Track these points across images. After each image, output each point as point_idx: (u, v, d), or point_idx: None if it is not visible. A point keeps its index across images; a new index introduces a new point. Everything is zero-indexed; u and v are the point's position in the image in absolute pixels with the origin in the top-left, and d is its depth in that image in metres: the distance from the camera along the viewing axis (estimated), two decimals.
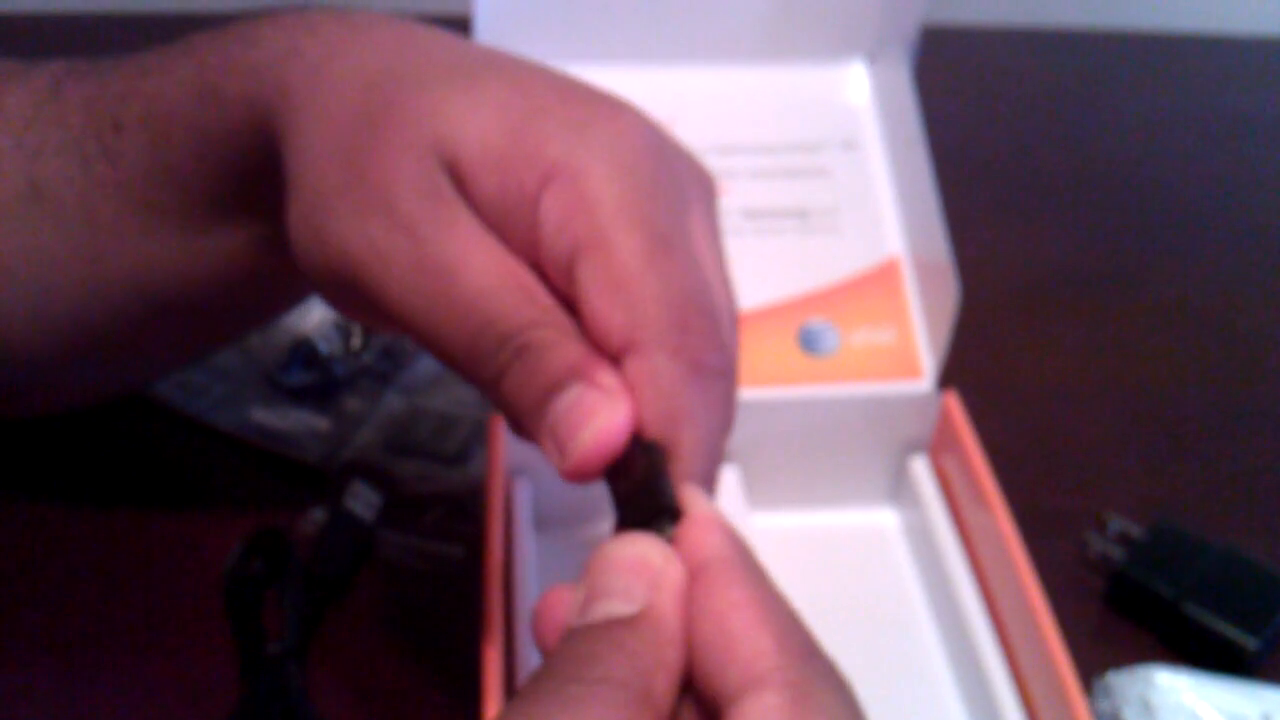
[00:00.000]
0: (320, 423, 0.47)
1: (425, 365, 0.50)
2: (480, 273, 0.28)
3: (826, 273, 0.43)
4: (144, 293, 0.37)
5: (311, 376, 0.49)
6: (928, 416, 0.43)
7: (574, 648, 0.23)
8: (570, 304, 0.28)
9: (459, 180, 0.29)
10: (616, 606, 0.24)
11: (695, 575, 0.24)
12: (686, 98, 0.45)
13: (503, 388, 0.28)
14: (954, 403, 0.42)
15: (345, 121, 0.30)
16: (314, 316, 0.50)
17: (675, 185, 0.30)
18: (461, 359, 0.28)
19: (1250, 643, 0.40)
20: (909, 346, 0.42)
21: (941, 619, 0.41)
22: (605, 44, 0.44)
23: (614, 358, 0.27)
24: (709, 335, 0.28)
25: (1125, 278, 0.60)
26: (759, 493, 0.43)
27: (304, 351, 0.49)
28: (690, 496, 0.26)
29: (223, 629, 0.40)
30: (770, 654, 0.23)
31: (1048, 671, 0.36)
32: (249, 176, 0.33)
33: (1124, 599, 0.43)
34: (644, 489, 0.26)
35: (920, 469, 0.43)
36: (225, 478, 0.46)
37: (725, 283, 0.31)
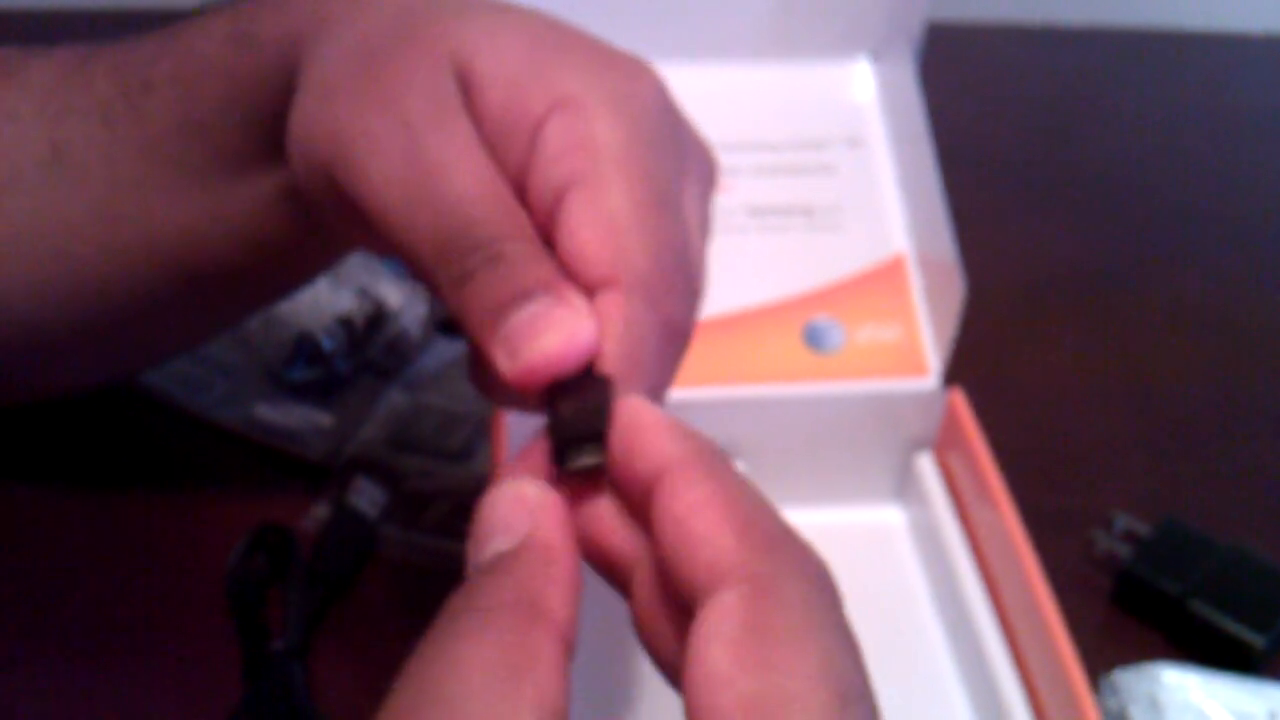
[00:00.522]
0: (323, 419, 0.47)
1: (428, 362, 0.50)
2: (467, 177, 0.28)
3: (832, 270, 0.43)
4: (164, 257, 0.37)
5: (315, 373, 0.49)
6: (933, 414, 0.43)
7: (464, 588, 0.24)
8: (544, 234, 0.28)
9: (468, 89, 0.29)
10: (499, 543, 0.24)
11: (653, 483, 0.24)
12: (692, 95, 0.44)
13: (466, 291, 0.27)
14: (959, 400, 0.42)
15: (371, 33, 0.30)
16: (317, 313, 0.50)
17: (678, 150, 0.30)
18: (429, 259, 0.28)
19: (1257, 641, 0.40)
20: (914, 344, 0.42)
21: (947, 616, 0.41)
22: (609, 40, 0.44)
23: (586, 290, 0.27)
24: (685, 298, 0.28)
25: (1131, 275, 0.60)
26: (764, 489, 0.43)
27: (307, 348, 0.49)
28: (637, 406, 0.25)
29: (225, 626, 0.40)
30: (730, 550, 0.22)
31: (1054, 669, 0.35)
32: (274, 122, 0.33)
33: (1131, 597, 0.43)
34: (588, 412, 0.26)
35: (926, 466, 0.43)
36: (228, 474, 0.46)
37: (703, 259, 0.31)
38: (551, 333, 0.26)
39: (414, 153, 0.28)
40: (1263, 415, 0.52)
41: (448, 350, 0.51)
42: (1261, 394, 0.53)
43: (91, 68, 0.37)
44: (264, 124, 0.34)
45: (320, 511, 0.44)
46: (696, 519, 0.23)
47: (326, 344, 0.49)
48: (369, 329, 0.50)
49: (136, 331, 0.40)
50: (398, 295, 0.52)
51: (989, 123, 0.69)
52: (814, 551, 0.23)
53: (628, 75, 0.30)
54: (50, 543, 0.44)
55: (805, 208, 0.44)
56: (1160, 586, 0.42)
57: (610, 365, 0.26)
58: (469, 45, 0.29)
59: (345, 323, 0.50)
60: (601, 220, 0.27)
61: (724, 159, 0.44)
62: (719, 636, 0.21)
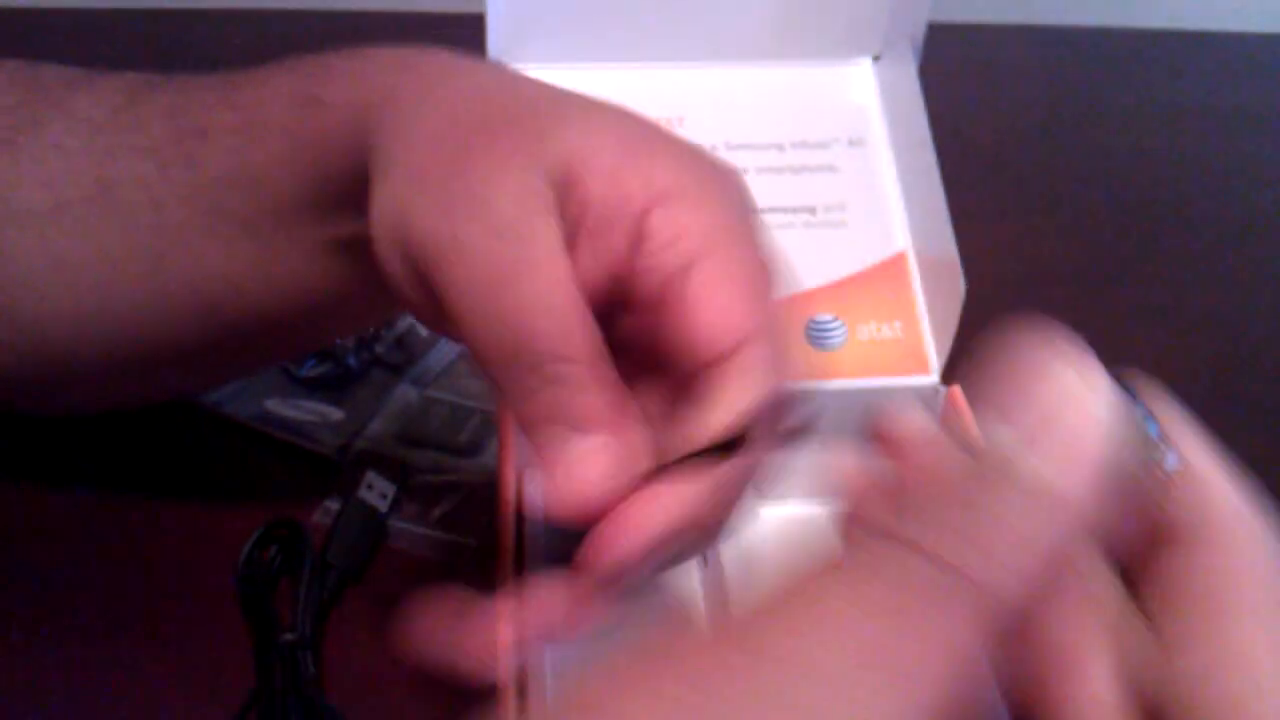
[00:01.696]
0: (334, 413, 0.48)
1: (438, 357, 0.51)
2: (546, 286, 0.29)
3: (833, 268, 0.44)
4: (203, 303, 0.37)
5: (325, 368, 0.49)
6: (934, 410, 0.43)
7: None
8: (645, 321, 0.30)
9: (568, 184, 0.30)
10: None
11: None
12: (695, 96, 0.45)
13: (527, 407, 0.29)
14: (960, 397, 0.42)
15: (459, 119, 0.31)
16: None
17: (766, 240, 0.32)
18: (496, 366, 0.29)
19: None
20: (915, 341, 0.43)
21: None
22: (615, 43, 0.44)
23: (713, 355, 0.29)
24: (788, 370, 0.31)
25: (1131, 273, 0.60)
26: (766, 486, 0.43)
27: None
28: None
29: (236, 618, 0.40)
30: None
31: None
32: (334, 179, 0.34)
33: None
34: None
35: None
36: (239, 468, 0.47)
37: None
38: (599, 472, 0.28)
39: (497, 258, 0.29)
40: (1260, 414, 0.53)
41: (456, 346, 0.52)
42: (1259, 393, 0.54)
43: (143, 107, 0.37)
44: (319, 181, 0.34)
45: (331, 505, 0.45)
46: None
47: (337, 340, 0.50)
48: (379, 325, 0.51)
49: (173, 369, 0.40)
50: None
51: (990, 122, 0.70)
52: None
53: (715, 168, 0.32)
54: (62, 535, 0.44)
55: (808, 207, 0.44)
56: None
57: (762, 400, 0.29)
58: (568, 142, 0.30)
59: None
60: (736, 279, 0.30)
61: (727, 158, 0.45)
62: None
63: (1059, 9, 0.79)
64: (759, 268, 0.30)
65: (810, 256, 0.44)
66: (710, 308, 0.29)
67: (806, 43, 0.46)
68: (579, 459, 0.28)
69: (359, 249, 0.34)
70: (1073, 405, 0.23)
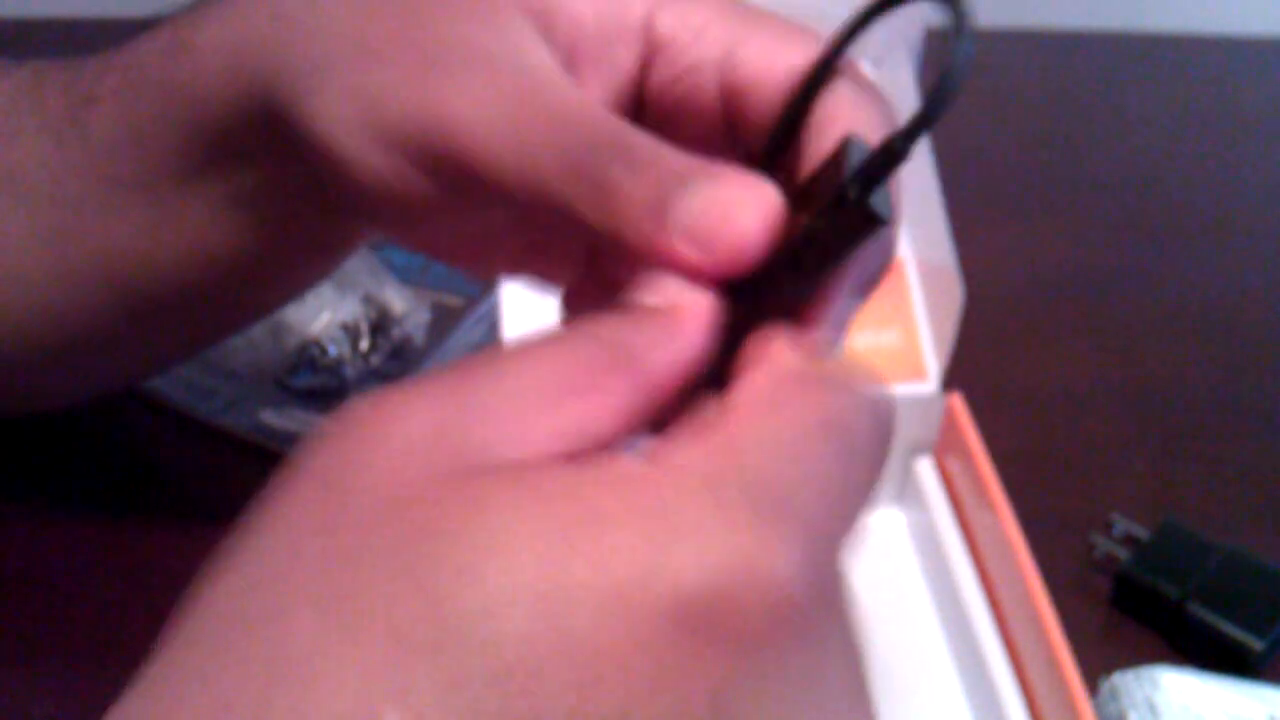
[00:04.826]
0: None
1: (433, 368, 0.51)
2: (570, 90, 0.27)
3: None
4: (112, 280, 0.36)
5: (320, 379, 0.49)
6: (932, 418, 0.43)
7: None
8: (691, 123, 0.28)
9: (547, 11, 0.28)
10: (648, 295, 0.23)
11: None
12: None
13: (614, 202, 0.24)
14: (959, 404, 0.42)
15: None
16: (322, 319, 0.50)
17: None
18: (558, 184, 0.25)
19: (1256, 644, 0.40)
20: (914, 348, 0.42)
21: (946, 620, 0.41)
22: None
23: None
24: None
25: (1130, 279, 0.60)
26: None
27: (312, 354, 0.49)
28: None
29: None
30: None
31: (1053, 673, 0.36)
32: (215, 127, 0.32)
33: (1129, 600, 0.43)
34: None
35: (925, 470, 0.43)
36: (233, 480, 0.47)
37: None
38: (743, 210, 0.23)
39: (510, 83, 0.26)
40: (1262, 418, 0.52)
41: (453, 356, 0.52)
42: (1260, 397, 0.53)
43: (44, 86, 0.36)
44: (206, 135, 0.33)
45: None
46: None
47: (331, 350, 0.49)
48: (374, 335, 0.51)
49: (98, 357, 0.39)
50: (402, 301, 0.52)
51: (988, 127, 0.69)
52: None
53: None
54: (55, 548, 0.44)
55: None
56: (1159, 589, 0.42)
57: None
58: None
59: (350, 329, 0.50)
60: (793, 46, 0.28)
61: None
62: None
63: (1058, 13, 0.78)
64: (797, 27, 0.28)
65: None
66: (768, 76, 0.27)
67: None
68: (724, 202, 0.23)
69: (264, 200, 0.32)
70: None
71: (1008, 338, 0.54)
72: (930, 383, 0.42)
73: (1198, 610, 0.41)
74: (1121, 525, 0.44)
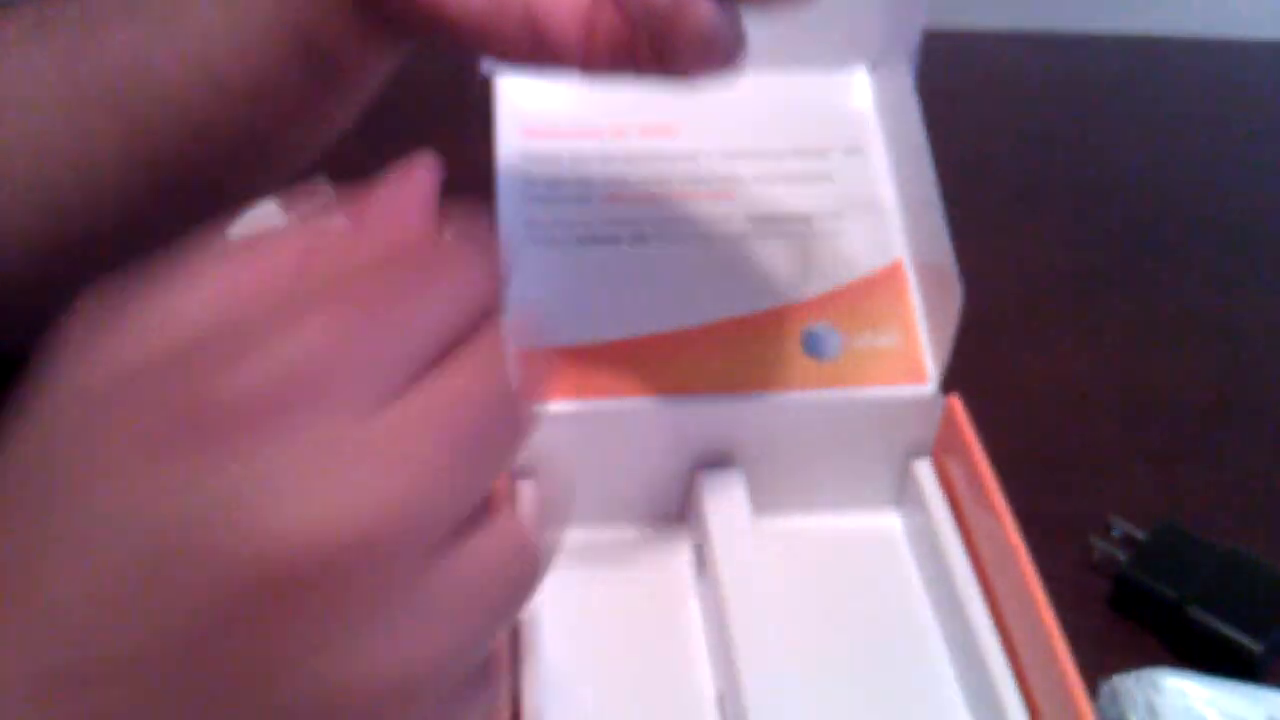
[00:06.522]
0: None
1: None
2: None
3: (830, 277, 0.43)
4: (203, 71, 0.37)
5: None
6: (931, 420, 0.43)
7: None
8: None
9: None
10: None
11: None
12: (690, 105, 0.45)
13: None
14: (958, 406, 0.42)
15: None
16: None
17: None
18: None
19: (1255, 646, 0.40)
20: (913, 350, 0.42)
21: (945, 622, 0.41)
22: None
23: None
24: None
25: (1129, 281, 0.60)
26: (763, 496, 0.43)
27: None
28: None
29: None
30: None
31: (1052, 675, 0.36)
32: None
33: (1128, 602, 0.43)
34: None
35: (924, 473, 0.43)
36: None
37: None
38: None
39: None
40: (1260, 419, 0.52)
41: None
42: (1259, 399, 0.53)
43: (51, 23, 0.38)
44: None
45: None
46: None
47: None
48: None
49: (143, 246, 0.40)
50: None
51: (987, 130, 0.69)
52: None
53: None
54: None
55: (804, 215, 0.44)
56: (1158, 592, 0.42)
57: None
58: None
59: None
60: None
61: (725, 167, 0.45)
62: None
63: (1056, 15, 0.78)
64: None
65: (807, 265, 0.43)
66: None
67: (802, 51, 0.46)
68: None
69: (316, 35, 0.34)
70: None
71: (1007, 339, 0.54)
72: (929, 384, 0.42)
73: (1197, 612, 0.41)
74: (1120, 527, 0.44)
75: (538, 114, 0.45)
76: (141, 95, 0.37)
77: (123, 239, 0.38)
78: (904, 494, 0.44)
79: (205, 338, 0.22)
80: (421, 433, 0.22)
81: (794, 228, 0.44)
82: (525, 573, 0.25)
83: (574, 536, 0.42)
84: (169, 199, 0.38)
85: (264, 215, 0.25)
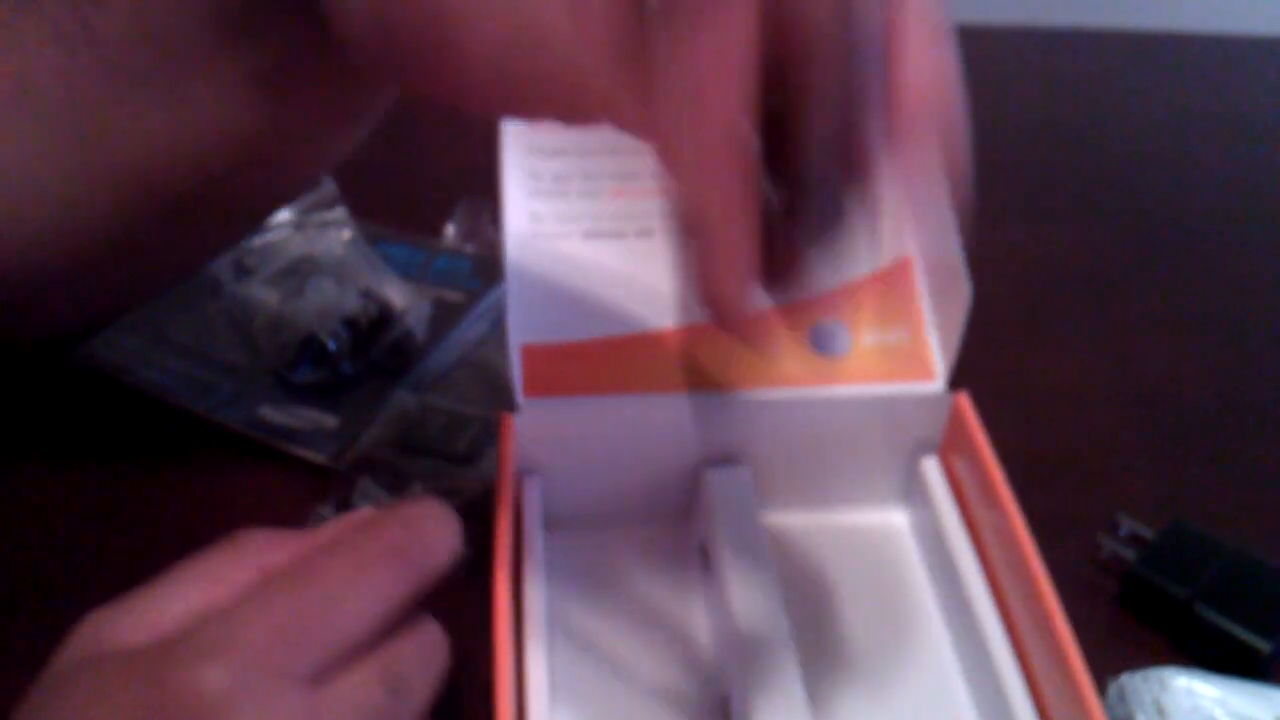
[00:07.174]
0: (329, 420, 0.47)
1: (434, 363, 0.50)
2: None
3: (839, 273, 0.43)
4: (136, 175, 0.36)
5: (320, 374, 0.49)
6: (939, 417, 0.42)
7: None
8: None
9: None
10: None
11: None
12: None
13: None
14: (965, 404, 0.42)
15: None
16: (322, 315, 0.50)
17: None
18: (602, 28, 0.27)
19: (1264, 645, 0.40)
20: (921, 347, 0.42)
21: (953, 620, 0.41)
22: None
23: None
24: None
25: (1137, 278, 0.60)
26: (770, 493, 0.43)
27: (312, 349, 0.49)
28: None
29: None
30: None
31: (1060, 673, 0.35)
32: (230, 9, 0.33)
33: (1136, 601, 0.43)
34: None
35: (931, 470, 0.43)
36: (233, 475, 0.46)
37: None
38: None
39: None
40: (1268, 418, 0.52)
41: (453, 351, 0.51)
42: (1267, 397, 0.53)
43: None
44: (217, 17, 0.33)
45: (325, 513, 0.44)
46: None
47: (332, 345, 0.49)
48: (374, 330, 0.50)
49: (132, 261, 0.39)
50: (402, 296, 0.52)
51: (993, 126, 0.69)
52: None
53: None
54: (53, 544, 0.44)
55: None
56: (1166, 590, 0.42)
57: None
58: None
59: (350, 324, 0.50)
60: None
61: None
62: None
63: (1061, 12, 0.78)
64: None
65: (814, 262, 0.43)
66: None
67: None
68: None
69: (279, 75, 0.33)
70: None
71: (1015, 337, 0.54)
72: (937, 382, 0.42)
73: (1205, 611, 0.41)
74: (1128, 525, 0.44)
75: None
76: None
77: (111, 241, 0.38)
78: (911, 491, 0.44)
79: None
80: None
81: None
82: None
83: (581, 533, 0.43)
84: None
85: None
